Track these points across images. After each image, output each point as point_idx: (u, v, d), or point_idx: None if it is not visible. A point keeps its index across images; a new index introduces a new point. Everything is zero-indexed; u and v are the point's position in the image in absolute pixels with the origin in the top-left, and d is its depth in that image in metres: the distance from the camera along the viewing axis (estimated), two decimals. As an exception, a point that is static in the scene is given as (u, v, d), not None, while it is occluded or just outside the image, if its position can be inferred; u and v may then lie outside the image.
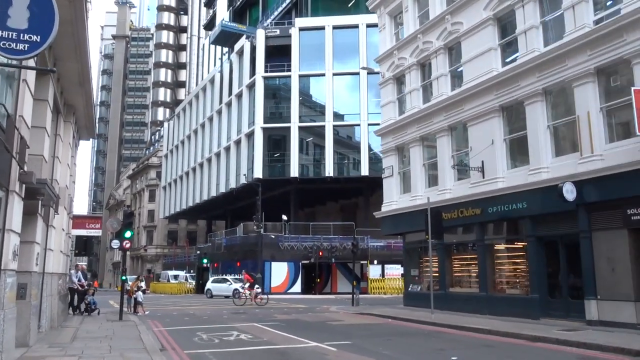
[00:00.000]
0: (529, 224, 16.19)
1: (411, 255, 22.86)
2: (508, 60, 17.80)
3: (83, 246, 18.04)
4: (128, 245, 17.28)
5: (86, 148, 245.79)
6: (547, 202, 15.39)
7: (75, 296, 19.01)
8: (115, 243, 17.12)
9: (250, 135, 47.81)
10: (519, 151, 17.45)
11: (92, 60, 19.15)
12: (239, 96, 50.58)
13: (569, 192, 14.30)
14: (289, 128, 45.50)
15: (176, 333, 14.47)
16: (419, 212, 20.80)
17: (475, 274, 18.78)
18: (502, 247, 18.07)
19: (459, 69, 20.01)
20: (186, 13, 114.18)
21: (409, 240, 22.80)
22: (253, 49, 48.65)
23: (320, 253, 38.39)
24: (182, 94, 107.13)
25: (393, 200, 23.17)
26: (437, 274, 20.88)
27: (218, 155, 54.71)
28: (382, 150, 24.33)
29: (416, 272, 22.35)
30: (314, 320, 18.06)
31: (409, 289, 22.39)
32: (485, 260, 17.96)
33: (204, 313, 21.51)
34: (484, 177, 17.92)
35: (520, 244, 17.13)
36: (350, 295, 35.99)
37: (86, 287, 19.16)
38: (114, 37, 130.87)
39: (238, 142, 50.05)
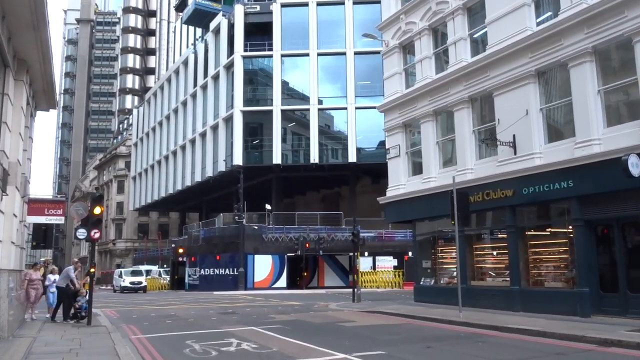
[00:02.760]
0: (575, 205, 13.84)
1: (422, 245, 20.38)
2: (544, 17, 15.39)
3: (42, 236, 14.82)
4: (97, 235, 14.23)
5: (49, 138, 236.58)
6: (600, 180, 13.08)
7: (67, 298, 15.61)
8: (82, 233, 14.07)
9: (228, 120, 44.63)
10: (560, 122, 15.10)
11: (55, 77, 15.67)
12: (216, 78, 47.23)
13: (635, 166, 11.96)
14: (270, 112, 42.50)
15: (160, 342, 11.61)
16: (433, 196, 18.40)
17: (504, 265, 16.42)
18: (539, 233, 15.72)
19: (482, 31, 17.54)
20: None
21: (420, 228, 20.30)
22: (231, 27, 45.34)
23: (307, 245, 35.69)
24: (151, 81, 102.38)
25: (400, 183, 20.63)
26: (453, 266, 18.51)
27: (193, 142, 51.28)
28: (386, 127, 21.74)
29: (429, 264, 19.88)
30: (321, 322, 15.39)
31: (421, 283, 19.91)
32: (517, 249, 15.58)
33: (187, 314, 18.60)
34: (515, 154, 15.51)
35: (563, 230, 14.80)
36: (343, 290, 34.02)
37: (77, 288, 15.75)
38: (78, 21, 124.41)
39: (215, 128, 46.78)
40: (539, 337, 11.44)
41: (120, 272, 43.77)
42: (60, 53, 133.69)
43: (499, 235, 16.93)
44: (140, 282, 40.63)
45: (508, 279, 15.91)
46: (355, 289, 22.19)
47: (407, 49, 21.15)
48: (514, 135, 15.57)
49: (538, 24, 15.44)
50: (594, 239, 13.73)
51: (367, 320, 15.59)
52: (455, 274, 18.29)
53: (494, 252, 17.14)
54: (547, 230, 15.51)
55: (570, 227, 14.25)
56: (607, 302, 13.20)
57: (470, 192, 16.35)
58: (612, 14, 13.11)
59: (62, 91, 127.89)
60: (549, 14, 15.31)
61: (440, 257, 19.36)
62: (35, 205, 13.93)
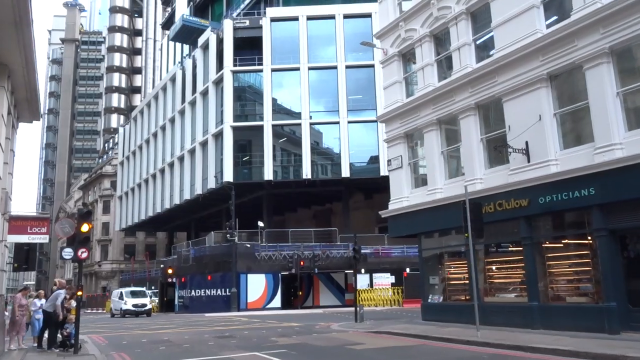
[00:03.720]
0: (598, 214, 13.04)
1: (429, 260, 19.43)
2: (555, 18, 14.78)
3: (24, 257, 13.57)
4: (85, 255, 13.09)
5: (33, 158, 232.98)
6: (624, 186, 12.33)
7: (53, 325, 14.17)
8: (68, 252, 12.91)
9: (218, 136, 43.62)
10: (576, 127, 14.39)
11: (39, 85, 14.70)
12: (205, 94, 46.31)
13: (664, 170, 11.24)
14: (261, 127, 41.60)
15: (156, 373, 10.46)
16: (440, 208, 17.58)
17: (519, 280, 15.53)
18: (557, 245, 14.87)
19: (487, 36, 16.90)
20: (141, 15, 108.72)
21: (426, 242, 19.37)
22: (220, 42, 44.60)
23: (302, 262, 34.52)
24: (137, 100, 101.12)
25: (403, 196, 19.73)
26: (463, 281, 17.59)
27: (181, 159, 50.10)
28: (387, 138, 20.93)
29: (436, 280, 18.92)
30: (328, 345, 14.31)
31: (429, 301, 18.90)
32: (534, 262, 14.71)
33: (181, 338, 17.35)
34: (529, 161, 14.73)
35: (584, 240, 13.98)
36: (340, 309, 32.88)
37: (64, 314, 14.35)
38: (62, 40, 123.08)
39: (204, 144, 45.69)
40: (571, 358, 10.52)
41: (121, 293, 39.01)
42: (44, 73, 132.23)
43: (513, 249, 16.08)
44: (145, 305, 36.69)
45: (525, 294, 15.00)
46: (358, 308, 21.08)
47: (407, 56, 20.47)
48: (526, 142, 14.82)
49: (548, 26, 14.81)
50: (619, 249, 12.92)
51: (377, 342, 14.54)
52: (465, 290, 17.38)
53: (508, 266, 16.24)
54: (567, 241, 14.68)
55: (589, 237, 13.46)
56: (638, 318, 12.34)
57: (481, 203, 15.50)
58: (629, 12, 12.51)
59: (47, 111, 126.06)
60: (555, 18, 14.71)
61: (449, 272, 18.42)
62: (17, 223, 12.77)
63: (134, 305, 36.15)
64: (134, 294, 37.90)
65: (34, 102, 14.24)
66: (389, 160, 20.85)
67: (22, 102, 14.01)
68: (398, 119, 20.12)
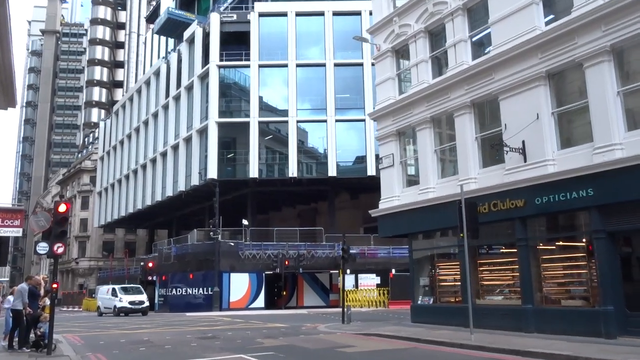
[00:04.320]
0: (596, 216, 12.72)
1: (420, 261, 18.99)
2: (553, 17, 14.47)
3: (-5, 252, 12.77)
4: (61, 250, 12.33)
5: (9, 152, 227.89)
6: (623, 187, 12.04)
7: (24, 323, 13.26)
8: (43, 247, 12.14)
9: (202, 132, 42.76)
10: (575, 127, 14.08)
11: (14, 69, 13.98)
12: (189, 88, 45.40)
13: (667, 172, 10.95)
14: (247, 124, 40.86)
15: (136, 377, 9.80)
16: (432, 208, 17.19)
17: (513, 282, 15.19)
18: (553, 247, 14.55)
19: (484, 32, 16.55)
20: (124, 8, 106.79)
21: (417, 242, 18.95)
22: (206, 36, 43.74)
23: (287, 262, 33.92)
24: (119, 94, 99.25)
25: (394, 195, 19.27)
26: (454, 283, 17.22)
27: (164, 155, 49.06)
28: (378, 136, 20.46)
29: (426, 282, 18.49)
30: (317, 347, 13.76)
31: (419, 302, 18.47)
32: (529, 264, 14.35)
33: (162, 339, 16.64)
34: (526, 161, 14.39)
35: (580, 242, 13.68)
36: (325, 310, 32.34)
37: (35, 311, 13.54)
38: (42, 32, 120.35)
39: (188, 140, 44.78)
40: (572, 363, 10.15)
41: (113, 289, 35.39)
42: (22, 64, 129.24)
43: (504, 250, 15.75)
44: (142, 302, 33.49)
45: (519, 297, 14.66)
46: (346, 309, 20.56)
47: (400, 53, 20.02)
48: (523, 142, 14.47)
49: (547, 23, 14.50)
50: (617, 252, 12.63)
51: (368, 344, 14.03)
52: (456, 292, 17.00)
53: (501, 268, 15.89)
54: (563, 243, 14.36)
55: (584, 239, 13.18)
56: (635, 322, 12.04)
57: (476, 203, 15.11)
58: (631, 10, 12.23)
59: (25, 104, 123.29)
60: (551, 17, 14.41)
61: (440, 273, 18.02)
62: (-12, 215, 11.94)
63: (131, 303, 33.35)
64: (128, 290, 35.10)
65: (9, 86, 13.38)
66: (380, 158, 20.39)
67: (-4, 85, 13.14)
68: (390, 116, 19.67)
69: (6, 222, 11.95)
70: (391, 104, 19.55)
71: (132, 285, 37.98)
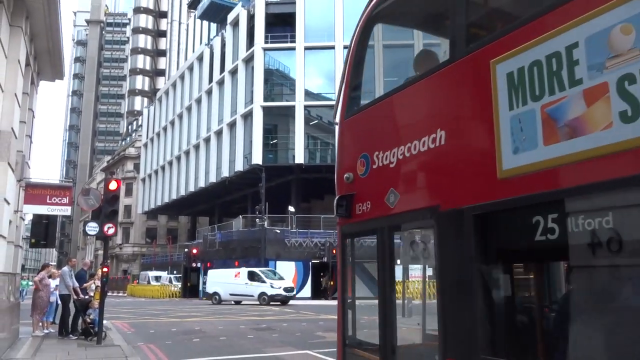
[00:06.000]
0: None
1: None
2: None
3: (43, 232, 11.85)
4: (112, 231, 11.31)
5: (56, 141, 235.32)
6: None
7: (71, 308, 12.47)
8: (93, 227, 11.13)
9: (247, 116, 41.76)
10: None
11: (64, 54, 13.29)
12: (234, 72, 44.43)
13: None
14: (292, 108, 39.60)
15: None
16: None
17: None
18: None
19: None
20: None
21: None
22: (251, 18, 42.60)
23: (334, 251, 32.56)
24: (161, 82, 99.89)
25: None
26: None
27: (207, 141, 48.43)
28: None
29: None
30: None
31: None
32: None
33: (214, 329, 15.57)
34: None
35: None
36: (374, 301, 30.57)
37: (86, 296, 12.83)
38: (87, 22, 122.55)
39: (232, 125, 43.90)
40: None
41: (250, 272, 29.85)
42: (69, 55, 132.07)
43: None
44: (293, 289, 29.89)
45: None
46: (406, 302, 19.02)
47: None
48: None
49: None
50: None
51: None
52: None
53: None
54: None
55: None
56: None
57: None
58: None
59: (71, 93, 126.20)
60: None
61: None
62: (35, 192, 11.00)
63: (285, 290, 29.09)
64: (267, 274, 30.12)
65: (57, 55, 12.41)
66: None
67: (44, 53, 12.20)
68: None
69: (54, 200, 10.97)
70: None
71: (264, 268, 31.84)
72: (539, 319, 3.52)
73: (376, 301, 4.22)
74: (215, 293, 30.90)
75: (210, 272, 32.66)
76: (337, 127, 4.85)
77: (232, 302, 30.02)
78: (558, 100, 2.57)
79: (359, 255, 5.17)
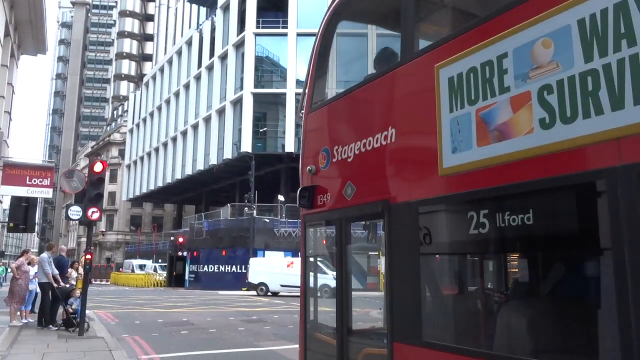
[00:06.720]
0: None
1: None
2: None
3: (22, 216, 11.05)
4: (96, 216, 10.58)
5: (39, 125, 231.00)
6: None
7: (49, 298, 11.71)
8: (76, 211, 10.39)
9: (237, 103, 40.87)
10: None
11: (47, 26, 12.51)
12: (224, 58, 43.42)
13: None
14: (284, 95, 38.80)
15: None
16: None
17: None
18: None
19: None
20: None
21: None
22: (242, 2, 41.54)
23: (324, 241, 31.99)
24: (148, 67, 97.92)
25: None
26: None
27: (195, 127, 47.42)
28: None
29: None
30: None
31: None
32: None
33: (203, 320, 14.94)
34: None
35: None
36: (363, 293, 30.37)
37: (67, 284, 12.03)
38: (73, 3, 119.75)
39: (221, 112, 42.97)
40: None
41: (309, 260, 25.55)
42: (53, 36, 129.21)
43: None
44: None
45: None
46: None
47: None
48: None
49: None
50: None
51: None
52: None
53: None
54: None
55: None
56: None
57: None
58: None
59: (55, 76, 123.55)
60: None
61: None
62: (14, 172, 10.23)
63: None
64: (329, 266, 27.70)
65: (39, 26, 11.57)
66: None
67: (25, 24, 11.34)
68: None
69: (34, 181, 10.20)
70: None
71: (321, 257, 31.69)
72: (478, 305, 3.91)
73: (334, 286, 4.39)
74: (262, 283, 28.36)
75: (253, 260, 29.72)
76: (302, 121, 4.97)
77: (283, 294, 27.25)
78: (490, 105, 2.80)
79: (320, 243, 5.67)
